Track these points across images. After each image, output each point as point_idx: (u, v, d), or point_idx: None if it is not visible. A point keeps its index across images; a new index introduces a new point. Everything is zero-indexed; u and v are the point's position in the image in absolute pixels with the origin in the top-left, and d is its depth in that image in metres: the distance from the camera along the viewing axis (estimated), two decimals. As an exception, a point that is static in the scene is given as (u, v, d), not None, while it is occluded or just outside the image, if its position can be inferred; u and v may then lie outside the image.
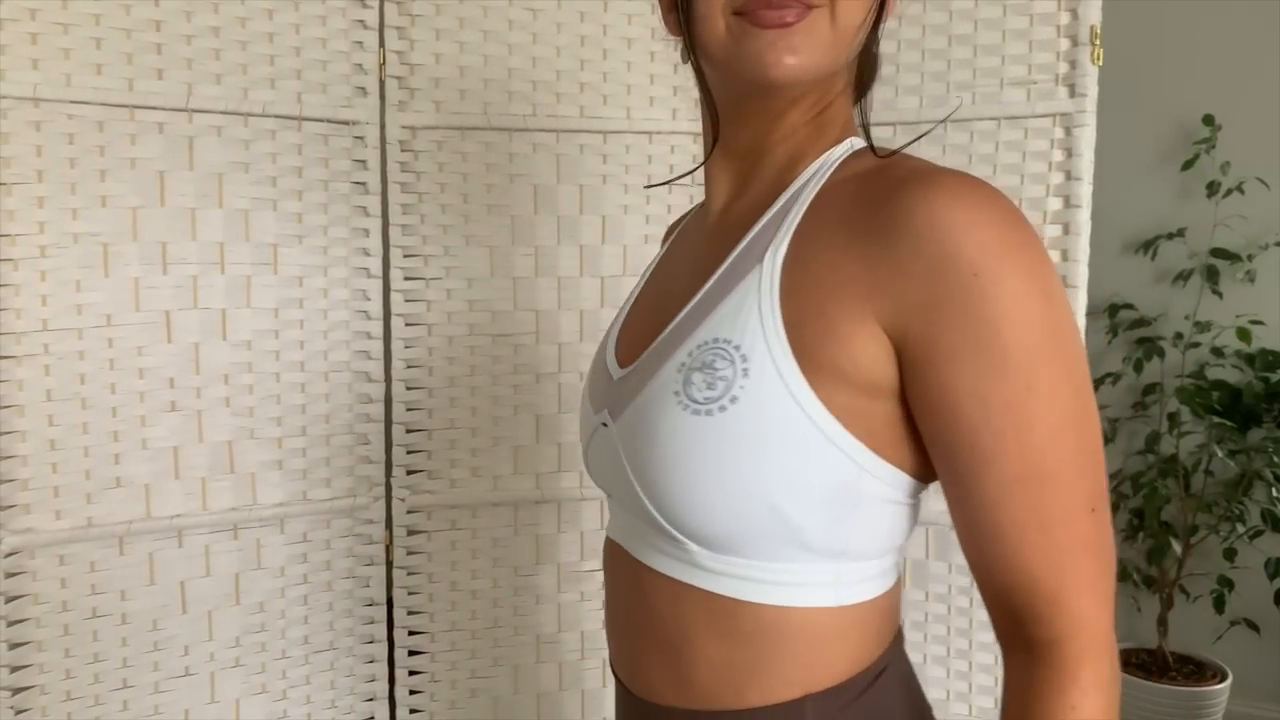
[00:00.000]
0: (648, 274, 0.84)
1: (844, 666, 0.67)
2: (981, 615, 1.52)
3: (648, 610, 0.71)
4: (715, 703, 0.68)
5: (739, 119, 0.72)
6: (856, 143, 0.71)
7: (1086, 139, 1.41)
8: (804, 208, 0.66)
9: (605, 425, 0.71)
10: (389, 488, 1.57)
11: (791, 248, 0.64)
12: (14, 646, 1.35)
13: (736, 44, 0.64)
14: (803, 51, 0.63)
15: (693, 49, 0.68)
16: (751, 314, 0.63)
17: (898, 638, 0.73)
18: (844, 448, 0.61)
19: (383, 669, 1.61)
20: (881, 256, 0.59)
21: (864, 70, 0.74)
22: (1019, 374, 0.57)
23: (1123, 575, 2.54)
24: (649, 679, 0.72)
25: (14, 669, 1.35)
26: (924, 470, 0.65)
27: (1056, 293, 0.59)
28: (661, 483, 0.64)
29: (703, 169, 0.78)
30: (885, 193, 0.62)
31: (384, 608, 1.60)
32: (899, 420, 0.62)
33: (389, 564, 1.58)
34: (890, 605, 0.71)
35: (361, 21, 1.50)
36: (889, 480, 0.64)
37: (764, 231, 0.67)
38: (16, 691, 1.35)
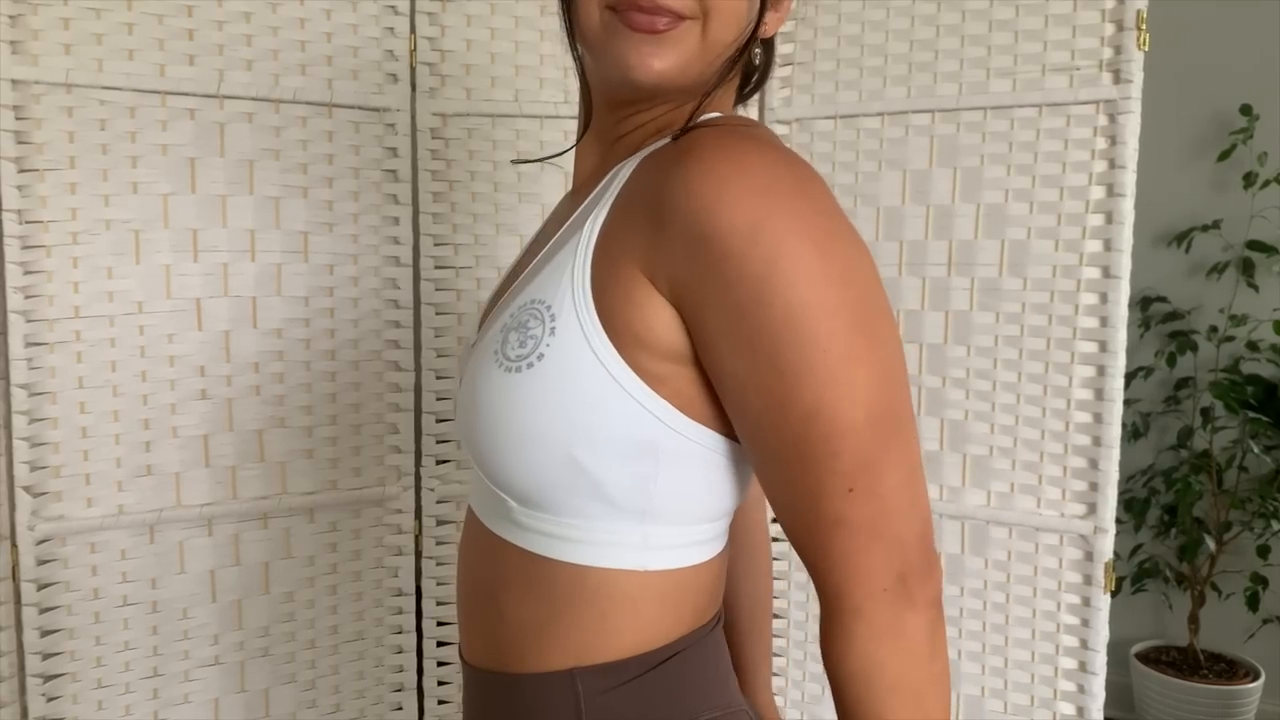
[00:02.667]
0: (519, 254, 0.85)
1: (631, 640, 0.66)
2: (1018, 611, 1.50)
3: (473, 566, 0.73)
4: (506, 665, 0.69)
5: (609, 105, 0.73)
6: (710, 116, 0.71)
7: (1131, 126, 1.38)
8: (623, 181, 0.66)
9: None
10: (419, 477, 1.56)
11: (608, 219, 0.65)
12: (45, 634, 1.34)
13: (607, 38, 0.65)
14: (669, 58, 0.64)
15: (570, 31, 0.69)
16: (564, 277, 0.64)
17: (712, 622, 0.71)
18: (647, 405, 0.62)
19: (411, 659, 1.60)
20: (655, 235, 0.60)
21: (749, 71, 0.76)
22: (766, 357, 0.57)
23: (1154, 572, 2.51)
24: (469, 637, 0.73)
25: (45, 656, 1.35)
26: None
27: (833, 254, 0.58)
28: (481, 439, 0.66)
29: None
30: (659, 169, 0.62)
31: (413, 598, 1.59)
32: (706, 382, 0.63)
33: (418, 554, 1.57)
34: (705, 583, 0.69)
35: (393, 7, 1.49)
36: (699, 439, 0.64)
37: (591, 203, 0.68)
38: (48, 679, 1.35)
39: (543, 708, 0.67)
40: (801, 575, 1.65)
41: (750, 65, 0.76)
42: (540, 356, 0.62)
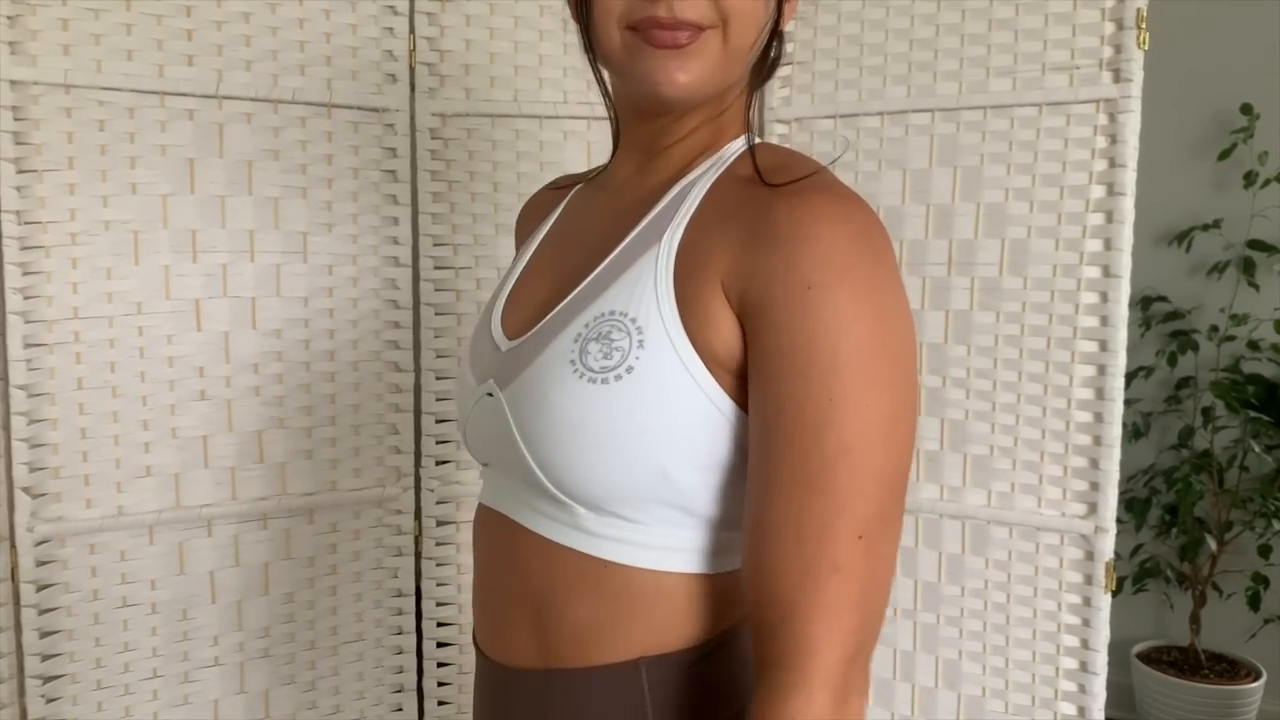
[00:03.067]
0: (529, 251, 0.85)
1: (692, 632, 0.69)
2: (1019, 611, 1.50)
3: (518, 572, 0.73)
4: (567, 661, 0.71)
5: (639, 116, 0.75)
6: (762, 141, 0.74)
7: (1131, 125, 1.38)
8: (700, 197, 0.69)
9: (490, 395, 0.73)
10: (418, 478, 1.56)
11: (686, 233, 0.67)
12: (45, 635, 1.34)
13: (630, 58, 0.67)
14: (694, 71, 0.66)
15: (591, 50, 0.71)
16: (648, 290, 0.65)
17: (725, 644, 0.72)
18: (731, 418, 0.64)
19: (411, 660, 1.60)
20: (743, 254, 0.63)
21: (761, 69, 0.76)
22: (821, 385, 0.59)
23: (1155, 571, 2.51)
24: (510, 642, 0.74)
25: (45, 657, 1.34)
26: None
27: (890, 319, 0.61)
28: (552, 448, 0.66)
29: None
30: (765, 198, 0.65)
31: (413, 599, 1.59)
32: None
33: (418, 555, 1.57)
34: (720, 595, 0.71)
35: (392, 7, 1.49)
36: None
37: (662, 215, 0.70)
38: (47, 680, 1.35)
39: (609, 696, 0.69)
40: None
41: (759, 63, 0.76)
42: (630, 369, 0.64)
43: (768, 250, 0.62)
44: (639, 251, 0.68)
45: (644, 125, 0.75)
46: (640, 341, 0.64)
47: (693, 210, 0.68)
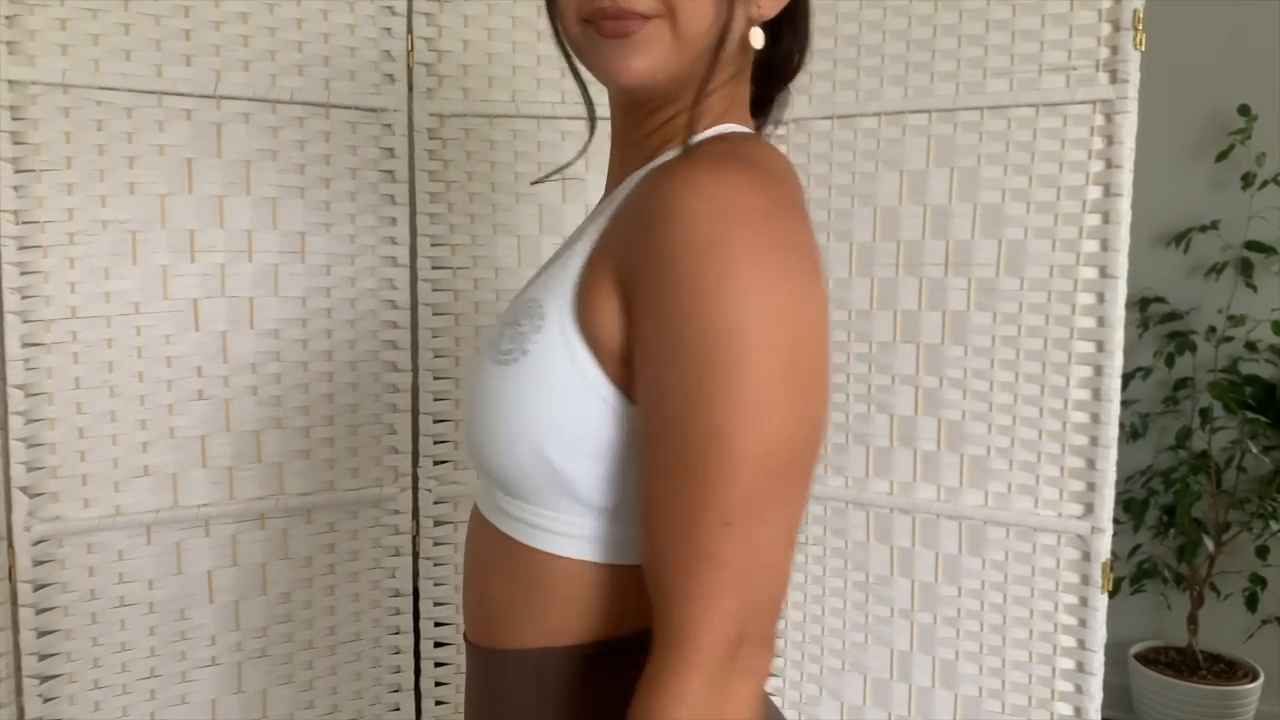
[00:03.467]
0: None
1: (594, 625, 0.68)
2: (1015, 612, 1.50)
3: (471, 549, 0.77)
4: (494, 641, 0.73)
5: (622, 108, 0.75)
6: (725, 129, 0.71)
7: (1128, 126, 1.38)
8: (632, 187, 0.69)
9: None
10: (416, 478, 1.56)
11: (609, 223, 0.67)
12: (42, 634, 1.34)
13: (588, 50, 0.68)
14: (645, 58, 0.66)
15: (565, 48, 0.73)
16: (560, 279, 0.66)
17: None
18: (615, 407, 0.63)
19: (409, 660, 1.60)
20: (629, 241, 0.63)
21: (775, 63, 0.76)
22: (689, 369, 0.57)
23: (1152, 572, 2.51)
24: (466, 615, 0.78)
25: (42, 657, 1.34)
26: None
27: (765, 294, 0.57)
28: (471, 427, 0.69)
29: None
30: (650, 179, 0.64)
31: (410, 599, 1.59)
32: None
33: (416, 555, 1.57)
34: (617, 588, 0.70)
35: (390, 8, 1.49)
36: None
37: (601, 208, 0.72)
38: (45, 679, 1.35)
39: (516, 682, 0.70)
40: (798, 576, 1.64)
41: (770, 56, 0.75)
42: (525, 352, 0.65)
43: (639, 231, 0.61)
44: (573, 243, 0.69)
45: (624, 118, 0.75)
46: (539, 326, 0.65)
47: (618, 203, 0.68)
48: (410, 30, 1.50)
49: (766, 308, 0.57)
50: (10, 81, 1.27)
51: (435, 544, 1.57)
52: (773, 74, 0.77)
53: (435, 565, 1.57)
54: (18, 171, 1.29)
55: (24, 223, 1.30)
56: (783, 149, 1.60)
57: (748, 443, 0.56)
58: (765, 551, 0.58)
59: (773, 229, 0.58)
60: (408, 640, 1.59)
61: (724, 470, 0.56)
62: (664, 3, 0.65)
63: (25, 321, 1.30)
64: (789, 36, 0.75)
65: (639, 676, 0.62)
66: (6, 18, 1.27)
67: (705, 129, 0.71)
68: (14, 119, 1.28)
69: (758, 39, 0.71)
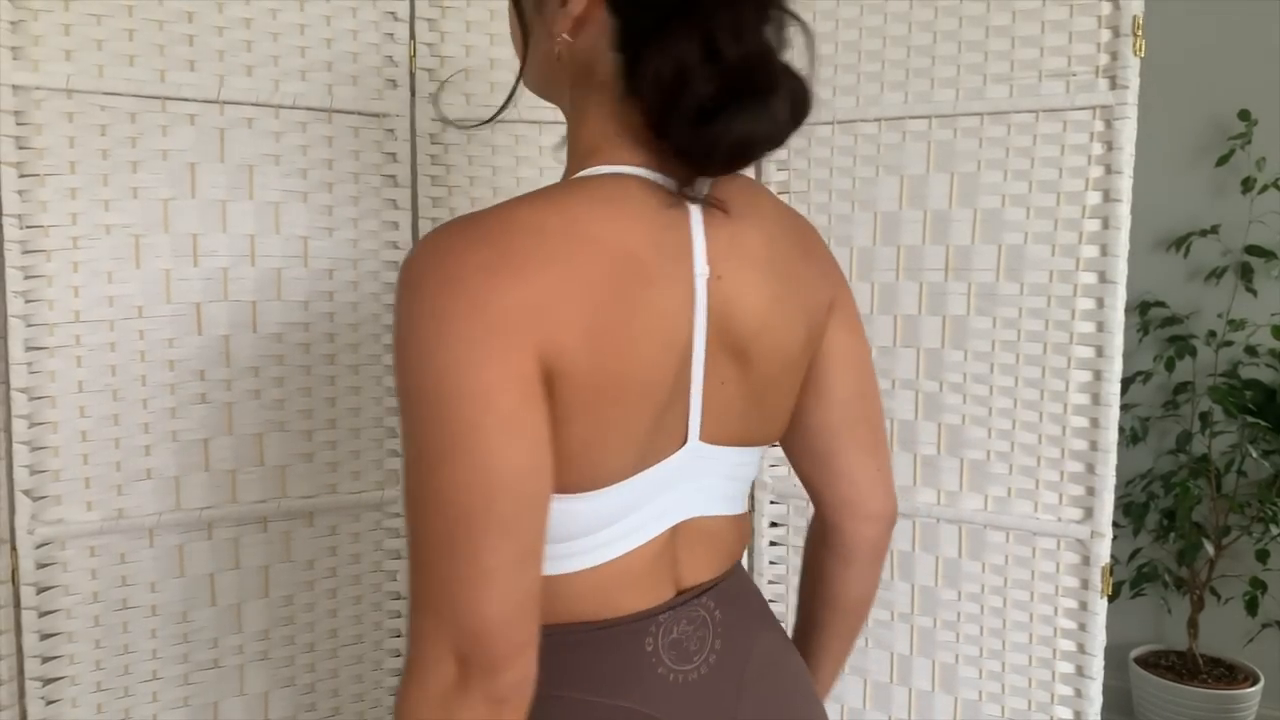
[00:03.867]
0: None
1: None
2: (1015, 616, 1.50)
3: None
4: None
5: None
6: (589, 172, 0.72)
7: (1127, 132, 1.39)
8: None
9: None
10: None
11: None
12: (45, 637, 1.35)
13: None
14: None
15: None
16: None
17: (597, 625, 0.75)
18: None
19: (410, 663, 1.60)
20: None
21: (646, 90, 0.70)
22: (403, 416, 0.65)
23: (1152, 576, 2.51)
24: None
25: (45, 660, 1.35)
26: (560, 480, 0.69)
27: (417, 357, 0.63)
28: None
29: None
30: None
31: (411, 602, 1.59)
32: None
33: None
34: (574, 590, 0.75)
35: (392, 13, 1.49)
36: None
37: None
38: (47, 682, 1.35)
39: None
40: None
41: (647, 83, 0.69)
42: None
43: None
44: None
45: None
46: None
47: None
48: (413, 36, 1.51)
49: (422, 367, 0.63)
50: (15, 86, 1.28)
51: (436, 547, 1.57)
52: (659, 106, 0.69)
53: (436, 568, 1.58)
54: (22, 176, 1.29)
55: (28, 227, 1.30)
56: (783, 154, 1.60)
57: (424, 492, 0.63)
58: (457, 586, 0.62)
59: (427, 297, 0.63)
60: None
61: (412, 515, 0.64)
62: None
63: (29, 325, 1.30)
64: (655, 57, 0.68)
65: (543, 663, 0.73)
66: (11, 23, 1.27)
67: (580, 170, 0.73)
68: (18, 124, 1.29)
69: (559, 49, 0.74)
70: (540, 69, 0.78)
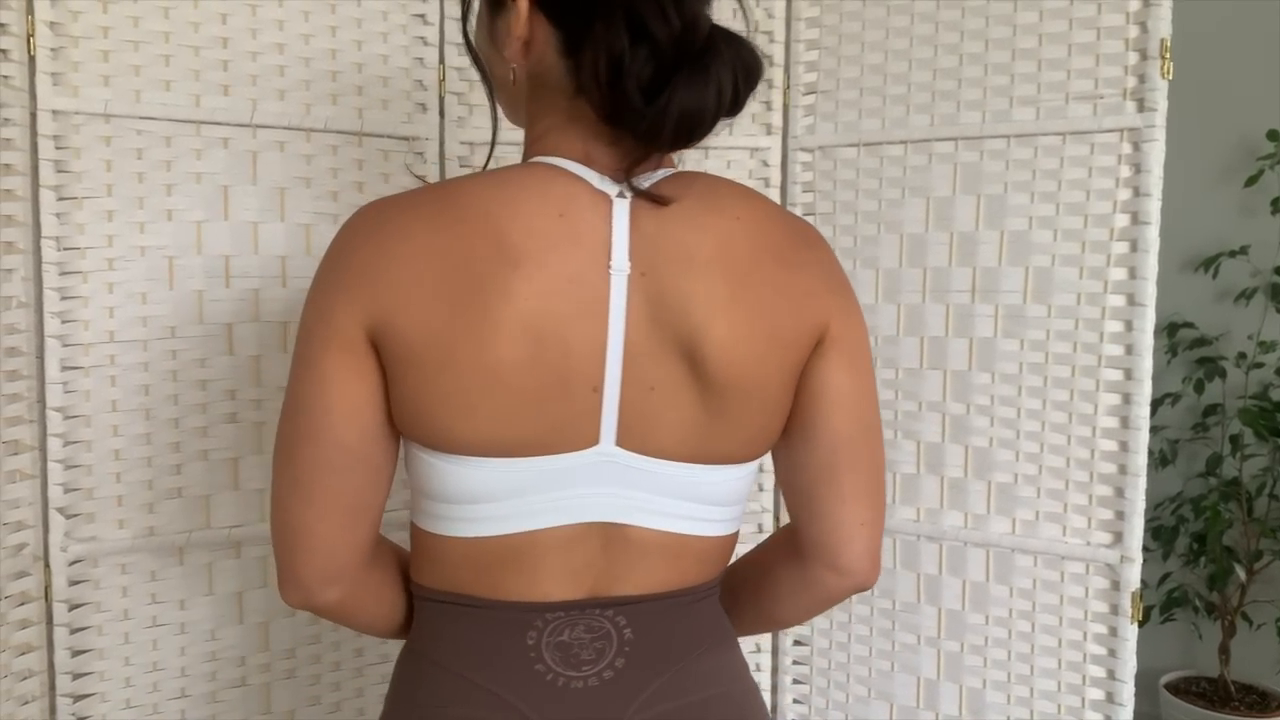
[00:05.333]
0: None
1: (416, 572, 0.85)
2: (1044, 641, 1.49)
3: None
4: None
5: None
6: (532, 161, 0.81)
7: (1156, 154, 1.38)
8: None
9: None
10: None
11: None
12: (76, 654, 1.36)
13: None
14: None
15: None
16: None
17: (463, 599, 0.80)
18: None
19: (435, 683, 1.60)
20: None
21: (588, 93, 0.76)
22: None
23: (1183, 601, 2.48)
24: None
25: (75, 676, 1.36)
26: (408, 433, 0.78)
27: (312, 296, 0.78)
28: None
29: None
30: None
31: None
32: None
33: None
34: (450, 555, 0.79)
35: (422, 38, 1.51)
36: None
37: None
38: (77, 699, 1.37)
39: None
40: (825, 602, 1.64)
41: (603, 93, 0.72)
42: None
43: None
44: None
45: None
46: None
47: None
48: (442, 60, 1.53)
49: (313, 304, 0.78)
50: (54, 112, 1.30)
51: (462, 567, 1.58)
52: (602, 96, 0.72)
53: (462, 588, 1.58)
54: (60, 199, 1.32)
55: (65, 249, 1.32)
56: (808, 176, 1.61)
57: (280, 421, 0.78)
58: (278, 498, 0.77)
59: (329, 258, 0.78)
60: (434, 663, 1.60)
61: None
62: None
63: (65, 345, 1.33)
64: (591, 50, 0.72)
65: (418, 623, 0.84)
66: (52, 50, 1.30)
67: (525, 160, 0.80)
68: (57, 148, 1.31)
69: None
70: (506, 99, 0.85)
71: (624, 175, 0.74)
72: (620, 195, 0.74)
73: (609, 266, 0.72)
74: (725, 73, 0.71)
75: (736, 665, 0.86)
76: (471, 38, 0.86)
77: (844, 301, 0.81)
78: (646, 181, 0.75)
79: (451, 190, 0.74)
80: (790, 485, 0.87)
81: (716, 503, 0.81)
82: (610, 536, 0.78)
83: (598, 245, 0.72)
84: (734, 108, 0.73)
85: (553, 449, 0.74)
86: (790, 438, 0.83)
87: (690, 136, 0.72)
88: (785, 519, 1.65)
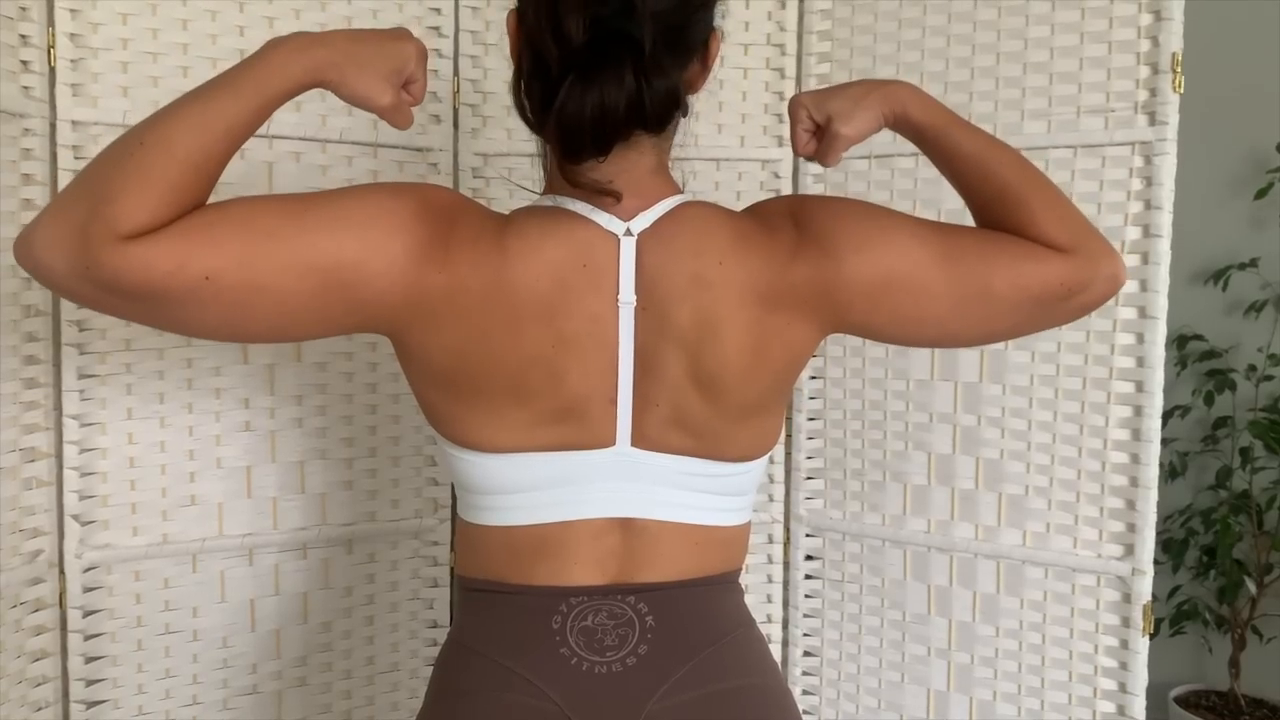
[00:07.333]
0: None
1: (461, 565, 0.91)
2: (1054, 653, 1.49)
3: None
4: None
5: None
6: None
7: (1167, 168, 1.39)
8: None
9: None
10: (454, 509, 1.58)
11: None
12: (89, 660, 1.37)
13: None
14: None
15: None
16: None
17: (505, 589, 0.85)
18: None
19: (445, 692, 1.60)
20: None
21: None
22: None
23: (1193, 614, 2.47)
24: None
25: (89, 683, 1.37)
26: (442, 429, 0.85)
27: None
28: None
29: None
30: None
31: (448, 630, 1.60)
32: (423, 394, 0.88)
33: (454, 586, 1.59)
34: (491, 545, 0.86)
35: (436, 50, 1.52)
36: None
37: None
38: (90, 705, 1.37)
39: None
40: (834, 613, 1.64)
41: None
42: None
43: None
44: None
45: None
46: None
47: None
48: (456, 73, 1.54)
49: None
50: (74, 122, 1.32)
51: (473, 576, 1.58)
52: (531, 111, 0.81)
53: (472, 597, 1.58)
54: (78, 208, 1.33)
55: (83, 258, 1.33)
56: (819, 188, 1.61)
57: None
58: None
59: (419, 185, 0.87)
60: (444, 672, 1.60)
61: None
62: None
63: (82, 354, 1.33)
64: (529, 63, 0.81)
65: (462, 612, 0.90)
66: (71, 61, 1.32)
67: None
68: (76, 158, 1.32)
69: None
70: None
71: (624, 211, 0.81)
72: (626, 234, 0.81)
73: (618, 300, 0.81)
74: (612, 80, 0.73)
75: (765, 657, 0.90)
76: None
77: (811, 229, 0.84)
78: (647, 220, 0.82)
79: (513, 228, 0.82)
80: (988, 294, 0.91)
81: (728, 493, 0.88)
82: (631, 529, 0.85)
83: (610, 286, 0.81)
84: (652, 104, 0.75)
85: (575, 448, 0.83)
86: (903, 331, 0.89)
87: (604, 139, 0.75)
88: (792, 525, 1.65)
